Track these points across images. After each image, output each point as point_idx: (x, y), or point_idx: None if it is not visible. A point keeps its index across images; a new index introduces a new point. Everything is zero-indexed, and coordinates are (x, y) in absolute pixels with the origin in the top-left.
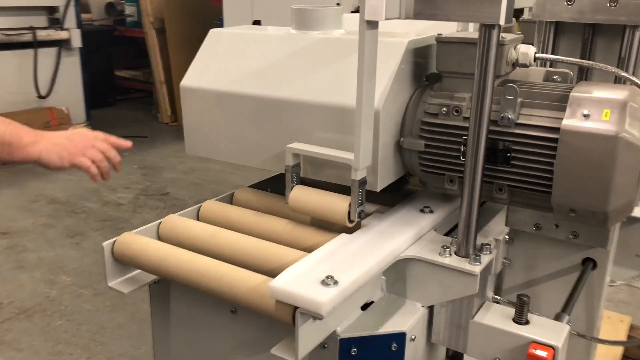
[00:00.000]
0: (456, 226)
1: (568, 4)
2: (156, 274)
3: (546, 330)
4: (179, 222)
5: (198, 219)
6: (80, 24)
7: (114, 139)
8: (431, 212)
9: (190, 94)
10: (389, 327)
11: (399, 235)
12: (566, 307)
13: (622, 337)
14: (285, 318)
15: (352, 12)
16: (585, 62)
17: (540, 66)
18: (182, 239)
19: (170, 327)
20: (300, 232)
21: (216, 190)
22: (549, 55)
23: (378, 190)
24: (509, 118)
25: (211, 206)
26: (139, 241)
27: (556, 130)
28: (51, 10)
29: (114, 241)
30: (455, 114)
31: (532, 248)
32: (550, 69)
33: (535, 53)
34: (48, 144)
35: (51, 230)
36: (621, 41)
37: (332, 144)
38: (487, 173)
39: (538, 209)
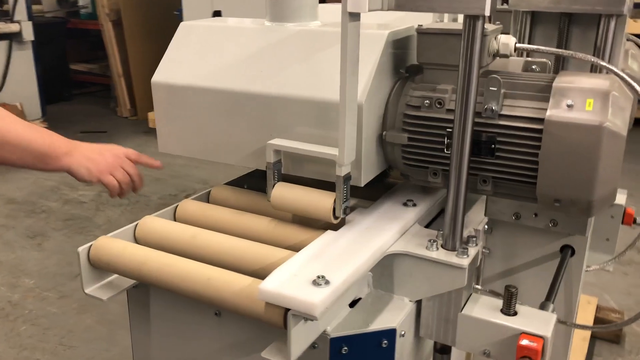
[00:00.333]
0: (435, 218)
1: None
2: (135, 279)
3: (535, 320)
4: (156, 223)
5: (175, 220)
6: (31, 16)
7: (145, 158)
8: (414, 205)
9: (162, 90)
10: (379, 323)
11: (386, 231)
12: (550, 295)
13: (590, 318)
14: (275, 320)
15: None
16: (566, 52)
17: (518, 56)
18: (160, 241)
19: (151, 332)
20: (284, 230)
21: (180, 185)
22: (530, 46)
23: (362, 185)
24: (492, 109)
25: (188, 206)
26: (115, 245)
27: (540, 121)
28: None
29: (90, 246)
30: (438, 106)
31: (511, 237)
32: (529, 58)
33: (516, 43)
34: (80, 157)
35: (10, 231)
36: (597, 30)
37: (313, 139)
38: (471, 165)
39: (522, 200)
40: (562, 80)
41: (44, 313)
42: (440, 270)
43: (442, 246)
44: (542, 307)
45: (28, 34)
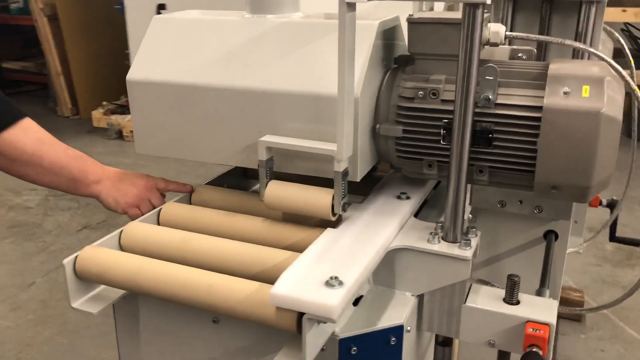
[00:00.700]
0: (421, 208)
1: None
2: (129, 290)
3: (538, 308)
4: (142, 229)
5: (159, 224)
6: None
7: (173, 186)
8: (408, 198)
9: (138, 88)
10: (386, 321)
11: (386, 226)
12: (543, 281)
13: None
14: (287, 325)
15: None
16: (558, 39)
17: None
18: (149, 248)
19: (141, 344)
20: (279, 230)
21: None
22: (520, 34)
23: (358, 180)
24: (489, 99)
25: (172, 209)
26: (104, 255)
27: (538, 109)
28: None
29: (75, 257)
30: (433, 97)
31: (495, 224)
32: (514, 46)
33: (505, 31)
34: (109, 186)
35: None
36: (578, 17)
37: (303, 135)
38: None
39: (516, 188)
40: (557, 68)
41: None
42: (443, 262)
43: (442, 238)
44: (539, 293)
45: None
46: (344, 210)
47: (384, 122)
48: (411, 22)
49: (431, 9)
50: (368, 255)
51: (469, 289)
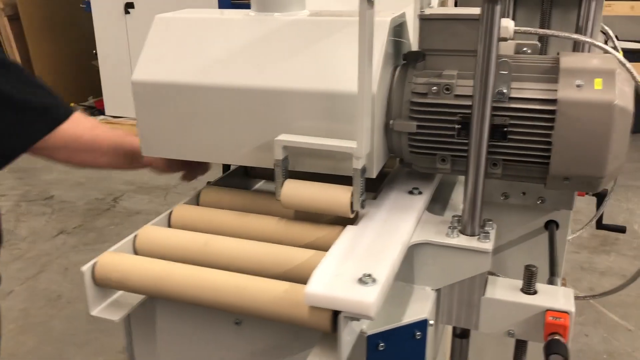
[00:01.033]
0: None
1: None
2: (153, 295)
3: (556, 297)
4: (158, 233)
5: (170, 227)
6: None
7: None
8: (420, 193)
9: (145, 89)
10: (411, 316)
11: (405, 222)
12: (553, 270)
13: None
14: (322, 325)
15: None
16: (565, 34)
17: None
18: (168, 252)
19: (158, 350)
20: (295, 228)
21: (105, 188)
22: (529, 29)
23: (374, 176)
24: (503, 93)
25: (184, 211)
26: (125, 261)
27: (552, 102)
28: None
29: (94, 264)
30: (446, 92)
31: (497, 216)
32: (518, 41)
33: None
34: None
35: None
36: (578, 11)
37: (316, 133)
38: None
39: (528, 181)
40: (568, 62)
41: None
42: (464, 256)
43: (461, 232)
44: (550, 282)
45: None
46: (362, 207)
47: (397, 118)
48: (423, 18)
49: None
50: (394, 251)
51: (486, 280)
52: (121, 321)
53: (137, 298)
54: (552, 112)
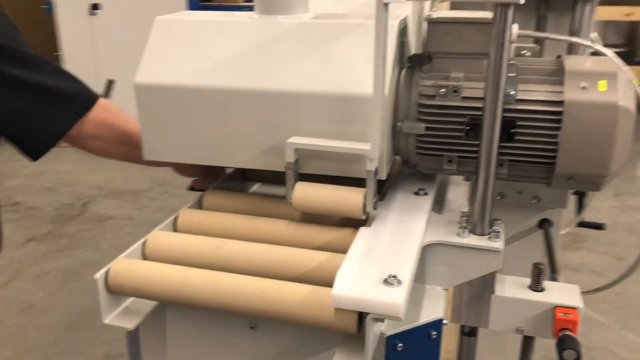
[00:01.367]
0: None
1: None
2: (172, 301)
3: (563, 293)
4: (168, 238)
5: (176, 232)
6: None
7: None
8: (425, 194)
9: (148, 92)
10: (426, 316)
11: (416, 223)
12: (553, 267)
13: None
14: (347, 326)
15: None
16: (569, 38)
17: None
18: (179, 257)
19: (167, 358)
20: (306, 231)
21: (74, 193)
22: (532, 32)
23: (384, 178)
24: (510, 94)
25: (190, 215)
26: (140, 267)
27: (558, 103)
28: None
29: (107, 271)
30: (454, 94)
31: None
32: (517, 44)
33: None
34: None
35: None
36: (572, 15)
37: (325, 135)
38: None
39: (531, 181)
40: (572, 64)
41: None
42: (475, 255)
43: (471, 232)
44: (552, 279)
45: None
46: (374, 208)
47: (404, 120)
48: (431, 21)
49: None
50: (412, 252)
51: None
52: (108, 329)
53: (148, 305)
54: (559, 113)
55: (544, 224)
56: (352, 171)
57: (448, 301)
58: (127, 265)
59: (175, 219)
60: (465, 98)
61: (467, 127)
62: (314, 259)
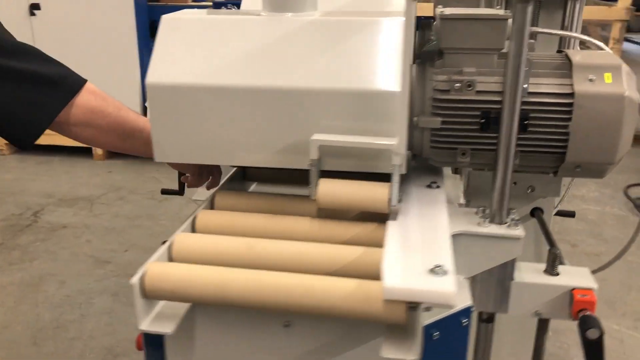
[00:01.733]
0: None
1: None
2: (213, 303)
3: (577, 276)
4: (195, 240)
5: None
6: None
7: None
8: (438, 186)
9: (160, 92)
10: (457, 304)
11: (439, 215)
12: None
13: None
14: (397, 317)
15: None
16: (570, 34)
17: None
18: (209, 258)
19: None
20: (331, 227)
21: (23, 202)
22: (535, 28)
23: (405, 172)
24: (523, 88)
25: (209, 216)
26: (176, 270)
27: (569, 95)
28: None
29: (142, 276)
30: (469, 88)
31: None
32: None
33: None
34: None
35: None
36: (563, 12)
37: (342, 131)
38: (497, 142)
39: (539, 170)
40: (579, 58)
41: None
42: (497, 243)
43: (490, 221)
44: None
45: None
46: (400, 202)
47: (419, 114)
48: (443, 18)
49: None
50: (447, 242)
51: None
52: (78, 341)
53: (178, 308)
54: (570, 104)
55: (536, 212)
56: (371, 167)
57: None
58: (163, 269)
59: (194, 220)
60: (479, 92)
61: (482, 120)
62: (349, 253)
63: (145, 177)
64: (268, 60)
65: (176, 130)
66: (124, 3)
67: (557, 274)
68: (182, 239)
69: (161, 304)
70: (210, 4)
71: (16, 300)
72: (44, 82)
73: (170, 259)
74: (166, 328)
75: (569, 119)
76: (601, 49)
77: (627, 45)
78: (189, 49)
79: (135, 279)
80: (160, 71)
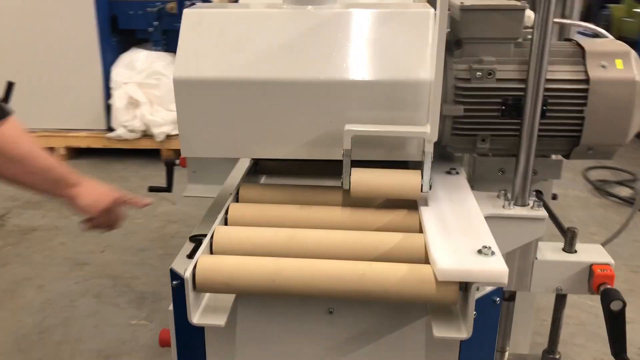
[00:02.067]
0: None
1: None
2: (265, 293)
3: (594, 253)
4: (235, 232)
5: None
6: None
7: (134, 200)
8: (457, 173)
9: (187, 87)
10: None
11: (469, 199)
12: (564, 232)
13: None
14: (449, 298)
15: None
16: (578, 23)
17: None
18: (251, 249)
19: (236, 350)
20: (363, 215)
21: None
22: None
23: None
24: None
25: (241, 209)
26: (229, 262)
27: (585, 81)
28: None
29: (194, 269)
30: (489, 76)
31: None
32: None
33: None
34: (89, 190)
35: None
36: (563, 2)
37: (371, 121)
38: (515, 127)
39: (553, 153)
40: (590, 46)
41: None
42: (523, 224)
43: (514, 204)
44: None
45: None
46: (430, 188)
47: (443, 103)
48: (464, 9)
49: None
50: (484, 225)
51: None
52: (66, 344)
53: (228, 299)
54: (585, 90)
55: (537, 194)
56: (399, 155)
57: None
58: (215, 262)
59: (226, 214)
60: (499, 80)
61: (502, 107)
62: (389, 240)
63: (113, 177)
64: (296, 52)
65: (204, 124)
66: (84, 3)
67: (576, 252)
68: (222, 232)
69: (207, 297)
70: None
71: None
72: None
73: (211, 252)
74: (218, 320)
75: (585, 104)
76: (606, 37)
77: None
78: (214, 43)
79: (187, 273)
80: (187, 66)
